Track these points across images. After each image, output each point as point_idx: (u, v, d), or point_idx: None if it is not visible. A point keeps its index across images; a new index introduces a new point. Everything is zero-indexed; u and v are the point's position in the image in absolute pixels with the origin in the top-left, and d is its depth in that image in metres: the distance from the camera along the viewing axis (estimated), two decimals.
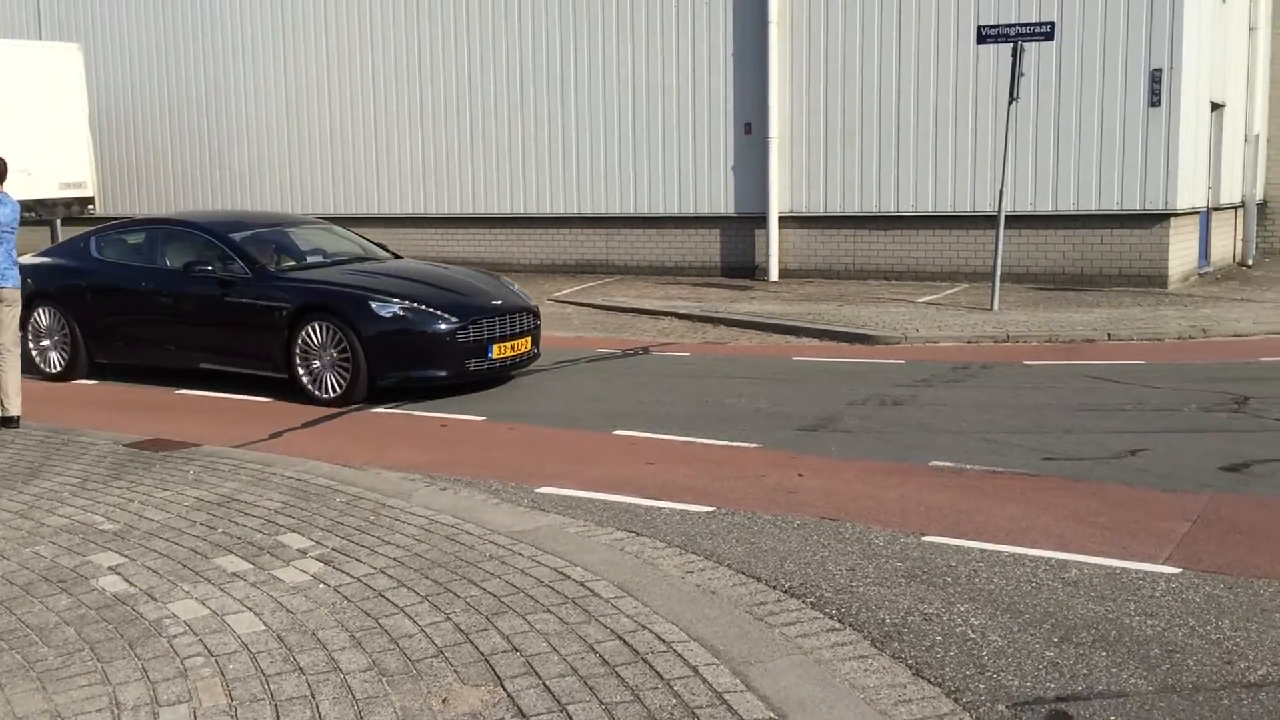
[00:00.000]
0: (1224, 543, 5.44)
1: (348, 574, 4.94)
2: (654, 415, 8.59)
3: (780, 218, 17.69)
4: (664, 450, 7.52)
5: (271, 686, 3.85)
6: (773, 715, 3.62)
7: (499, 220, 20.16)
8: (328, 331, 9.14)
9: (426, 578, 4.88)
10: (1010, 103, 13.86)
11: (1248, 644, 4.26)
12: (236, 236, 10.19)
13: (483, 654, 4.10)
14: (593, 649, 4.12)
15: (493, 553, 5.21)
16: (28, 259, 10.66)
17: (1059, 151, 16.08)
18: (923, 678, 4.00)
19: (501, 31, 19.54)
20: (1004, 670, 4.06)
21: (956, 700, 3.83)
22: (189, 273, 9.80)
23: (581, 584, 4.79)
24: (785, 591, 4.84)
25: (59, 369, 10.65)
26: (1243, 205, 20.24)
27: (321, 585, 4.81)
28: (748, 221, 18.06)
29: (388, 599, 4.64)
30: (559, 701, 3.72)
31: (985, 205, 16.19)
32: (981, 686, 3.94)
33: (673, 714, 3.63)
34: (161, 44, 22.91)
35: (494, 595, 4.66)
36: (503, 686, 3.84)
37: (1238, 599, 4.72)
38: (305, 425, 8.54)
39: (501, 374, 9.75)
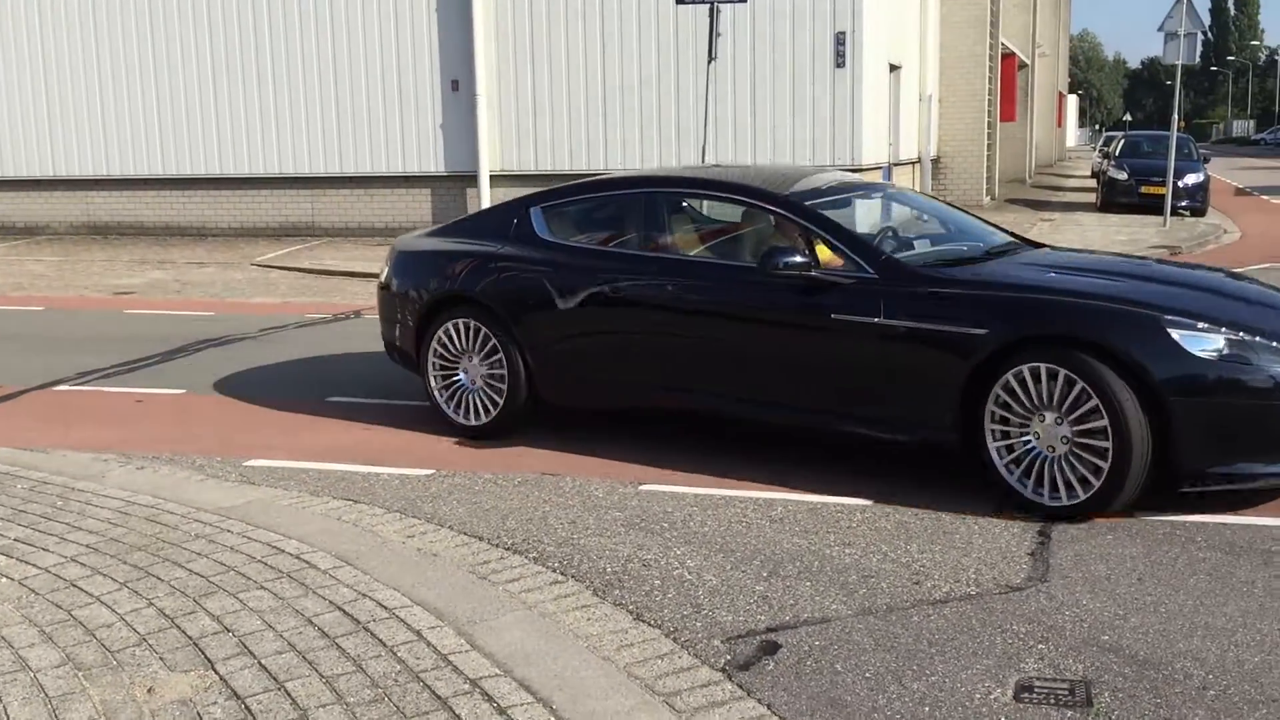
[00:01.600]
0: (906, 474, 5.87)
1: (33, 565, 4.56)
2: (369, 381, 8.38)
3: (492, 176, 17.59)
4: (380, 414, 7.35)
5: None
6: (498, 671, 3.64)
7: (192, 181, 18.99)
8: (1052, 382, 5.12)
9: (125, 563, 4.57)
10: (709, 62, 14.32)
11: (932, 565, 4.64)
12: (831, 213, 6.07)
13: (191, 638, 3.89)
14: (311, 622, 3.99)
15: (198, 531, 4.95)
16: (412, 239, 7.52)
17: (755, 109, 16.78)
18: (643, 621, 4.12)
19: None
20: (719, 607, 4.25)
21: (675, 640, 3.97)
22: (769, 270, 5.73)
23: (297, 557, 4.63)
24: (508, 549, 4.86)
25: (484, 419, 6.67)
26: (919, 160, 21.84)
27: (3, 579, 4.42)
28: (459, 180, 17.86)
29: (81, 589, 4.32)
30: (276, 679, 3.59)
31: (690, 160, 16.70)
32: (698, 624, 4.10)
33: (397, 680, 3.58)
34: None
35: (201, 576, 4.43)
36: (214, 669, 3.66)
37: (923, 524, 5.12)
38: None
39: None
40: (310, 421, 7.26)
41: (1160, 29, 17.74)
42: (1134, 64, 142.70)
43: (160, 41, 18.57)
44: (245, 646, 3.82)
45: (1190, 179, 21.24)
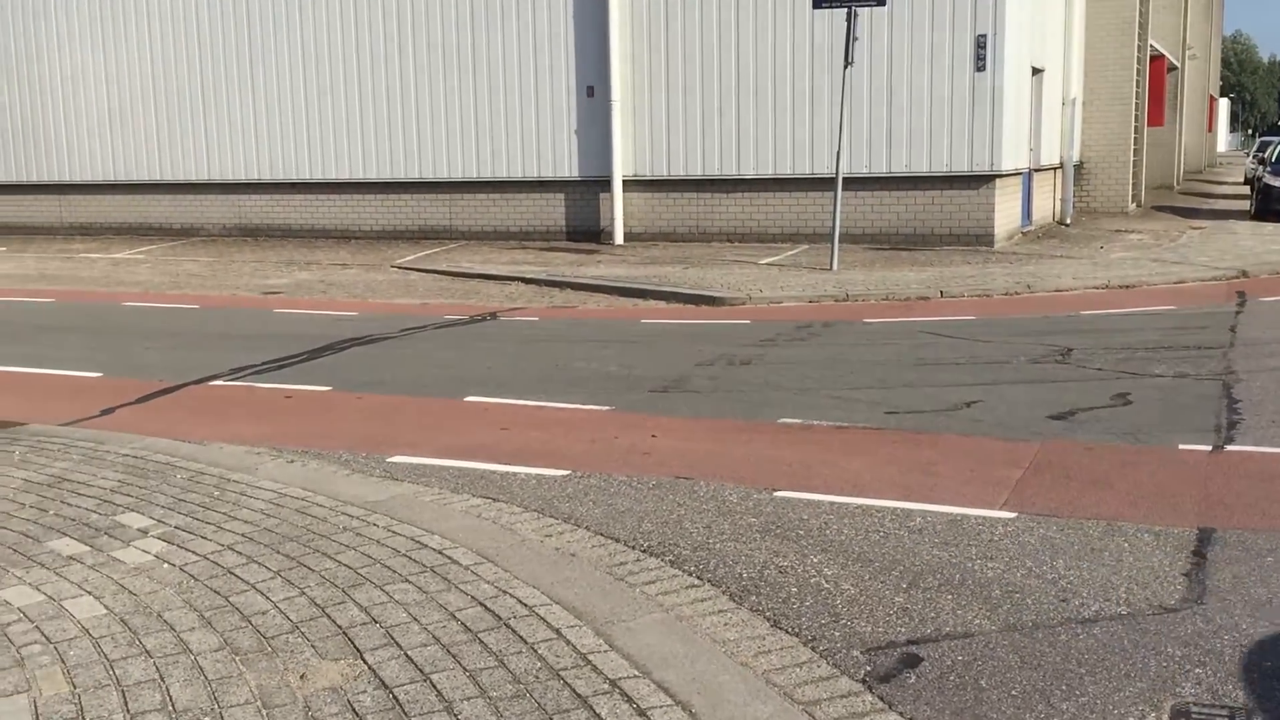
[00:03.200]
0: (1055, 487, 5.73)
1: (193, 552, 4.77)
2: (504, 380, 8.53)
3: (625, 181, 17.72)
4: (516, 415, 7.47)
5: (117, 671, 3.69)
6: (637, 673, 3.66)
7: (338, 186, 19.61)
8: None
9: (278, 553, 4.74)
10: (845, 67, 14.16)
11: (1080, 582, 4.50)
12: None
13: (340, 627, 4.01)
14: (454, 617, 4.08)
15: (346, 524, 5.10)
16: None
17: (892, 115, 16.54)
18: (780, 628, 4.10)
19: None
20: (857, 617, 4.19)
21: (813, 648, 3.93)
22: None
23: (440, 552, 4.73)
24: (644, 551, 4.88)
25: None
26: (1061, 166, 21.23)
27: (165, 565, 4.63)
28: (592, 185, 18.04)
29: (237, 576, 4.50)
30: (422, 671, 3.67)
31: (823, 168, 16.55)
32: (836, 634, 4.05)
33: (538, 677, 3.63)
34: None
35: (350, 567, 4.56)
36: (363, 659, 3.77)
37: (1069, 539, 4.97)
38: (139, 400, 8.17)
39: None
40: (450, 420, 7.42)
41: None
42: None
43: (310, 59, 19.24)
44: (392, 638, 3.92)
45: None
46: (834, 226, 14.49)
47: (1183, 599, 4.32)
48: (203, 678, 3.66)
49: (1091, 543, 4.94)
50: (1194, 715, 3.46)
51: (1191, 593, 4.38)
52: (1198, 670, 3.74)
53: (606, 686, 3.56)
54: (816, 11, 15.69)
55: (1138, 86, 22.66)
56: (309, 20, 19.13)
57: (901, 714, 3.48)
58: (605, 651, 3.81)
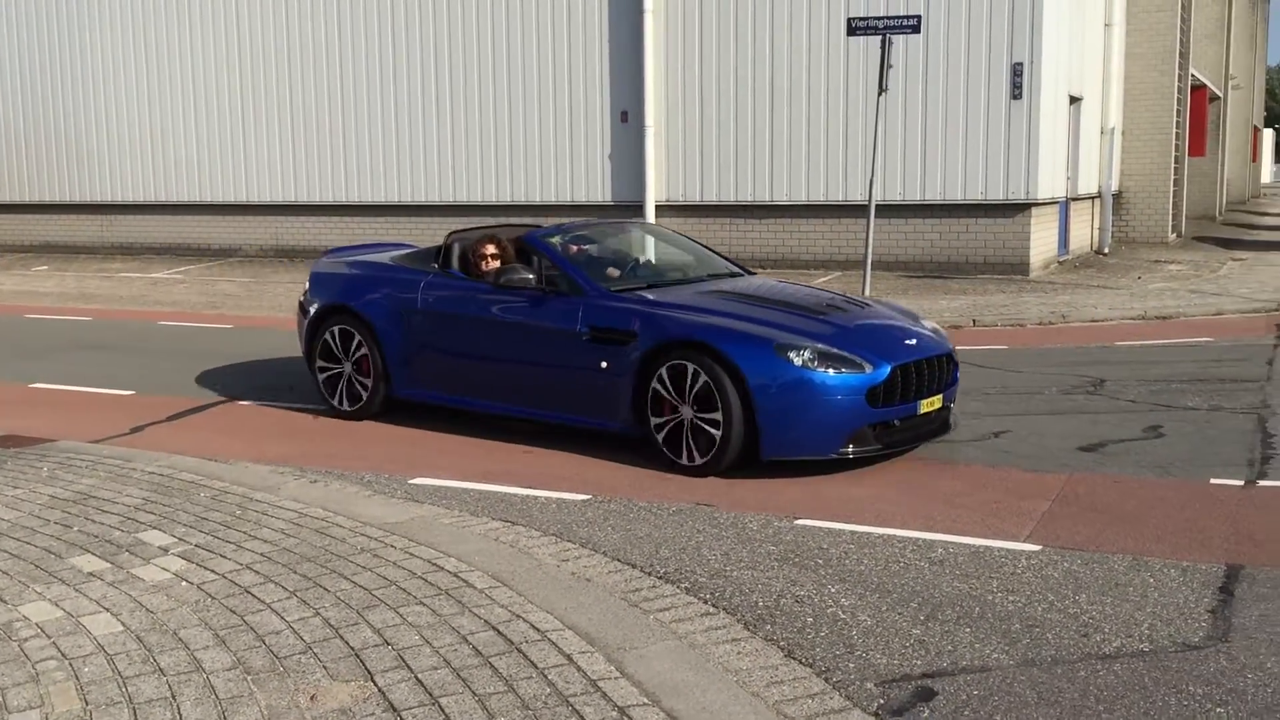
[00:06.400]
0: (1081, 520, 5.65)
1: (212, 571, 4.79)
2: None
3: (658, 206, 17.75)
4: (538, 438, 7.46)
5: (129, 689, 3.71)
6: (646, 700, 3.63)
7: (375, 208, 19.80)
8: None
9: (295, 572, 4.76)
10: (880, 94, 14.13)
11: (1103, 617, 4.43)
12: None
13: (353, 649, 4.01)
14: (466, 640, 4.07)
15: (364, 545, 5.11)
16: None
17: (926, 142, 16.48)
18: (794, 659, 4.05)
19: (374, 17, 19.18)
20: (873, 649, 4.14)
21: (827, 680, 3.89)
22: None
23: (455, 575, 4.73)
24: (660, 577, 4.86)
25: None
26: (1099, 195, 21.05)
27: (184, 583, 4.65)
28: (626, 210, 18.08)
29: (254, 595, 4.51)
30: (431, 694, 3.67)
31: (856, 195, 16.51)
32: (851, 665, 4.01)
33: (546, 703, 3.61)
34: (19, 23, 21.93)
35: (365, 589, 4.57)
36: (373, 681, 3.77)
37: (1093, 574, 4.90)
38: (170, 418, 8.25)
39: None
40: (472, 442, 7.43)
41: None
42: None
43: (346, 81, 19.47)
44: (403, 660, 3.92)
45: None
46: (866, 253, 14.43)
47: (1207, 636, 4.24)
48: (213, 697, 3.67)
49: (1116, 577, 4.86)
50: None
51: (1216, 630, 4.30)
52: (1219, 710, 3.66)
53: (615, 714, 3.54)
54: (851, 39, 15.68)
55: (1178, 116, 22.45)
56: (348, 47, 19.37)
57: None
58: (616, 678, 3.79)
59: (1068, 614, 4.46)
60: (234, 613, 4.35)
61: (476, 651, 3.98)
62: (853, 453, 6.39)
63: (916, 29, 13.93)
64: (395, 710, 3.57)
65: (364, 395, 8.08)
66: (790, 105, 17.03)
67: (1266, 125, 71.27)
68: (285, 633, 4.16)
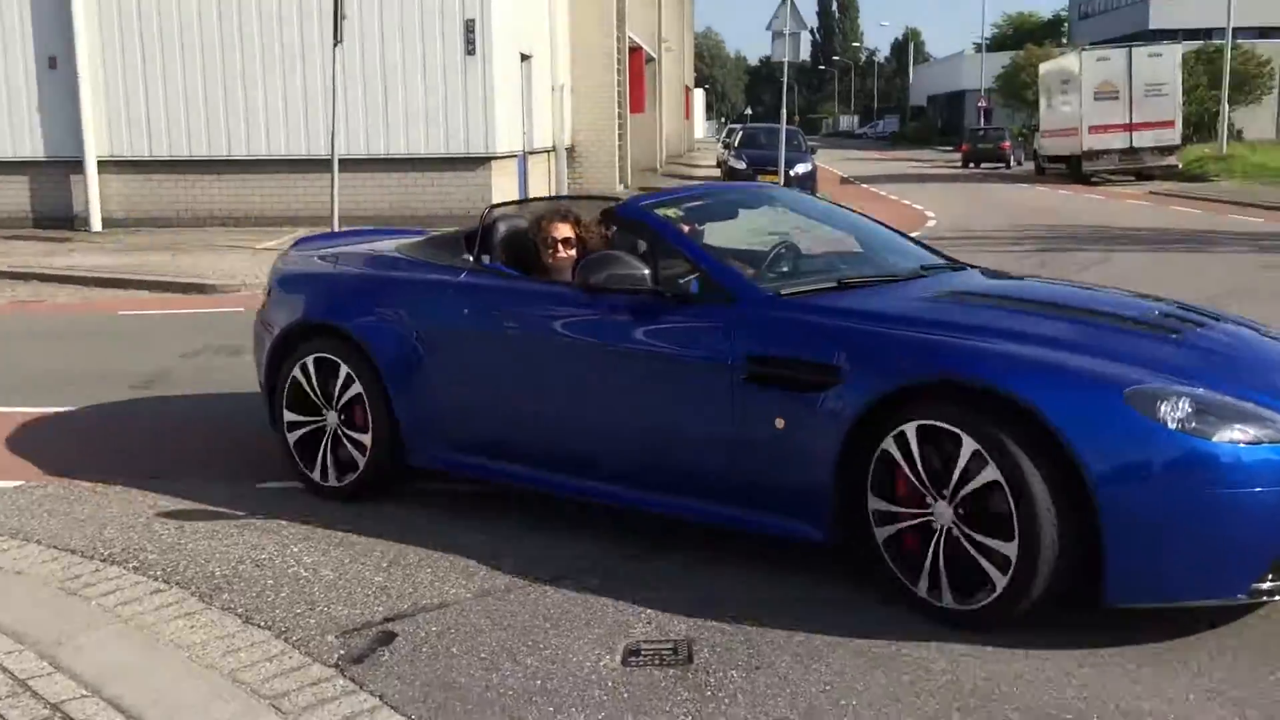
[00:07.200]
0: None
1: None
2: None
3: (100, 162, 16.31)
4: None
5: None
6: (85, 692, 3.37)
7: None
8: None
9: None
10: (335, 45, 13.91)
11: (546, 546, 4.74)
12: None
13: None
14: None
15: None
16: None
17: (388, 97, 16.52)
18: (252, 624, 3.96)
19: None
20: (334, 602, 4.15)
21: (286, 640, 3.84)
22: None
23: None
24: (104, 560, 4.52)
25: None
26: (554, 149, 22.30)
27: None
28: (61, 166, 16.42)
29: None
30: None
31: (320, 149, 16.19)
32: (312, 621, 3.99)
33: None
34: None
35: None
36: None
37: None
38: None
39: None
40: None
41: (768, 28, 19.06)
42: (753, 61, 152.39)
43: None
44: None
45: (800, 169, 22.96)
46: (333, 209, 14.23)
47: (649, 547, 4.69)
48: None
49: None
50: (643, 651, 3.77)
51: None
52: (649, 611, 4.07)
53: (47, 712, 3.26)
54: None
55: (619, 75, 24.29)
56: None
57: (371, 692, 3.48)
58: (49, 674, 3.48)
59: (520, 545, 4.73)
60: None
61: None
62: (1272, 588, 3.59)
63: None
64: None
65: (360, 461, 5.23)
66: (242, 51, 16.29)
67: (697, 86, 79.24)
68: None
